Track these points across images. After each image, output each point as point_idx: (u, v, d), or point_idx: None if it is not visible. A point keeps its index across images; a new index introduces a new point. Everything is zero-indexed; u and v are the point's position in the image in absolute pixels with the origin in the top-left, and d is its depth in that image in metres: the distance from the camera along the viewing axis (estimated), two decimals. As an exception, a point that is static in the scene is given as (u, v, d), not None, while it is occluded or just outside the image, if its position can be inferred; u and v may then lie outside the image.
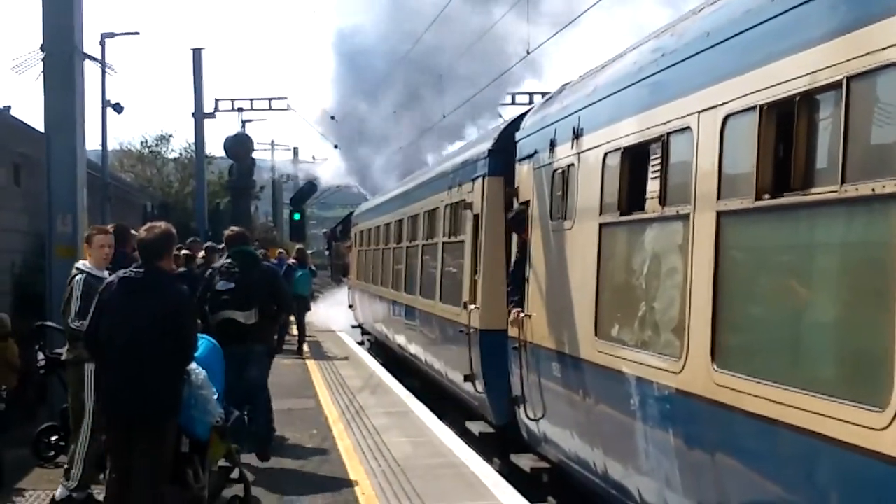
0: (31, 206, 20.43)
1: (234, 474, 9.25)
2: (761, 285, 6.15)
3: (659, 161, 7.42)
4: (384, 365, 22.25)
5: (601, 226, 8.65)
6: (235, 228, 13.01)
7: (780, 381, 5.63)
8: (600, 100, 8.91)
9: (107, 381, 8.11)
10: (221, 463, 9.14)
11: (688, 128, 6.92)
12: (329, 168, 52.56)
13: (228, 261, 12.17)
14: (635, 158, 7.99)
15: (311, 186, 57.43)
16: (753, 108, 6.00)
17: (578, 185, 9.35)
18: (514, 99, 43.16)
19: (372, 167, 44.99)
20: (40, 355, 14.00)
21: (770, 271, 6.07)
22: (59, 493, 9.57)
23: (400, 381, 19.18)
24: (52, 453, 11.50)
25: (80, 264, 9.89)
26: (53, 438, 11.53)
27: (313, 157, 71.83)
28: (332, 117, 41.80)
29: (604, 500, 9.10)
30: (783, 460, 5.73)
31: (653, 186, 7.55)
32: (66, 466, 9.78)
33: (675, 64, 7.33)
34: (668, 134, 7.28)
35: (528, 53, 20.78)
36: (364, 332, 30.91)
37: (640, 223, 7.86)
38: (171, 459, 8.08)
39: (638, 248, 7.94)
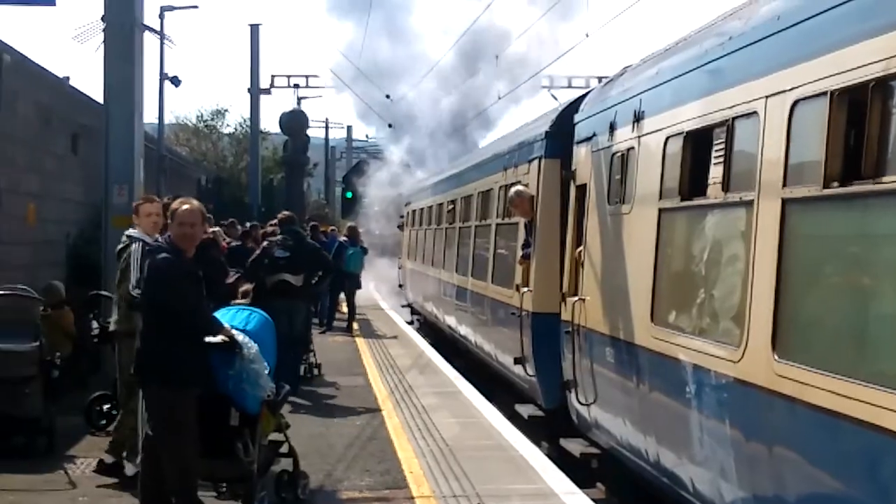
0: (88, 176, 20.60)
1: (284, 449, 9.24)
2: (827, 275, 6.02)
3: (723, 146, 7.29)
4: (433, 345, 22.22)
5: (660, 211, 8.53)
6: (287, 212, 16.86)
7: (845, 373, 5.51)
8: (663, 83, 8.78)
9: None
10: (272, 437, 9.14)
11: (754, 113, 6.79)
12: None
13: (283, 236, 15.64)
14: (698, 143, 7.86)
15: (362, 164, 57.48)
16: (824, 93, 5.86)
17: (638, 169, 9.23)
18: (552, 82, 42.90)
19: (424, 148, 44.91)
20: (94, 324, 14.14)
21: (837, 261, 5.94)
22: (128, 469, 9.54)
23: (449, 361, 19.14)
24: (104, 421, 11.57)
25: (132, 232, 9.86)
26: (106, 407, 11.61)
27: (367, 137, 71.97)
28: (388, 96, 41.72)
29: (655, 487, 9.02)
30: (846, 455, 5.62)
31: (715, 172, 7.42)
32: (113, 442, 9.74)
33: (743, 48, 7.18)
34: (734, 119, 7.15)
35: (587, 36, 20.59)
36: (413, 312, 30.91)
37: (701, 209, 7.74)
38: (187, 431, 8.01)
39: (698, 234, 7.82)
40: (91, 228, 19.57)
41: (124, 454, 9.63)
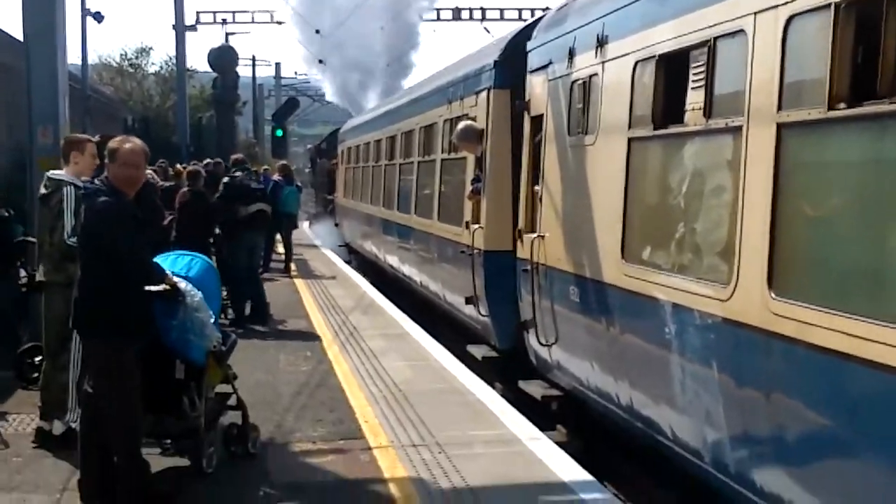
0: (9, 117, 19.66)
1: (232, 401, 8.69)
2: (832, 204, 5.55)
3: (703, 69, 6.77)
4: (374, 285, 21.68)
5: (630, 140, 8.01)
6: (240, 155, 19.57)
7: (854, 311, 5.07)
8: (629, 4, 8.21)
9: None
10: (218, 389, 8.58)
11: (740, 31, 6.27)
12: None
13: (244, 172, 17.69)
14: (672, 67, 7.34)
15: (292, 102, 56.55)
16: (826, 6, 5.35)
17: (602, 98, 8.71)
18: (502, 14, 42.38)
19: (356, 84, 44.14)
20: (22, 272, 13.41)
21: (843, 188, 5.46)
22: (56, 427, 8.88)
23: (391, 302, 18.62)
24: (36, 374, 10.90)
25: (59, 174, 9.06)
26: (38, 359, 10.92)
27: (295, 73, 70.81)
28: (317, 31, 40.75)
29: (624, 430, 8.62)
30: (854, 399, 5.19)
31: (695, 97, 6.91)
32: (45, 404, 9.07)
33: (724, -39, 6.65)
34: (716, 39, 6.63)
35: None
36: (351, 251, 30.34)
37: (679, 137, 7.23)
38: (123, 386, 7.43)
39: (676, 163, 7.31)
40: (13, 172, 18.71)
41: (51, 415, 8.94)
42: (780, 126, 5.78)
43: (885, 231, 5.09)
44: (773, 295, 5.79)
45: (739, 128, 6.21)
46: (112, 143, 7.60)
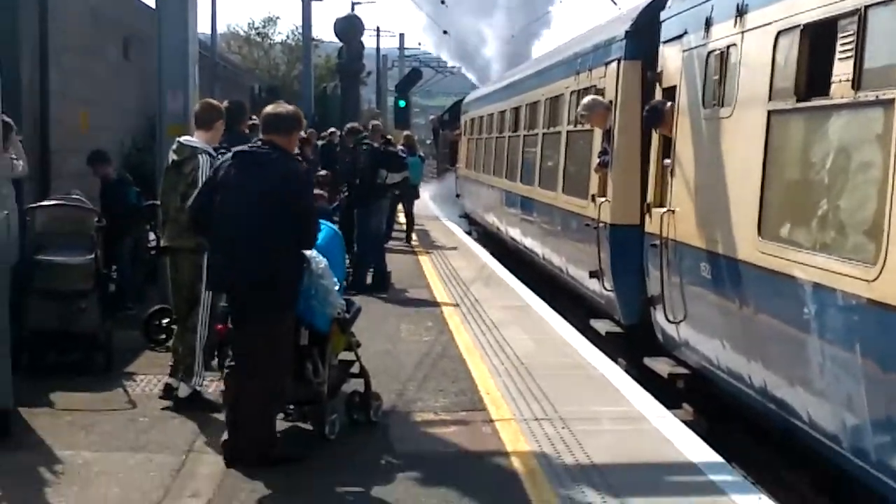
0: (140, 83, 19.95)
1: (355, 369, 8.66)
2: None
3: (852, 39, 6.47)
4: (495, 257, 21.56)
5: (770, 113, 7.72)
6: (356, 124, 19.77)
7: None
8: (775, -29, 7.91)
9: (215, 260, 7.55)
10: (342, 356, 8.56)
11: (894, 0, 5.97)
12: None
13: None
14: (818, 37, 7.05)
15: (416, 73, 56.54)
16: None
17: (741, 69, 8.42)
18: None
19: (483, 54, 43.94)
20: (151, 236, 13.61)
21: None
22: (182, 391, 8.95)
23: (512, 274, 18.48)
24: (164, 336, 11.06)
25: (195, 142, 9.10)
26: (165, 321, 11.08)
27: (419, 44, 70.89)
28: (443, 1, 40.61)
29: (755, 411, 8.36)
30: None
31: (842, 69, 6.61)
32: (175, 364, 9.15)
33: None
34: (866, 7, 6.32)
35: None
36: (472, 223, 30.26)
37: (824, 110, 6.93)
38: (288, 353, 7.54)
39: (819, 137, 7.02)
40: (144, 138, 18.98)
41: (179, 375, 9.02)
42: (937, 99, 5.49)
43: None
44: (923, 276, 5.51)
45: (892, 101, 5.91)
46: (275, 109, 7.64)
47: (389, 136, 20.43)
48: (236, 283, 7.38)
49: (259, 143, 7.61)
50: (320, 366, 7.92)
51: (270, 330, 7.35)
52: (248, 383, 7.36)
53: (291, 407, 8.33)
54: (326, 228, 8.42)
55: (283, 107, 7.73)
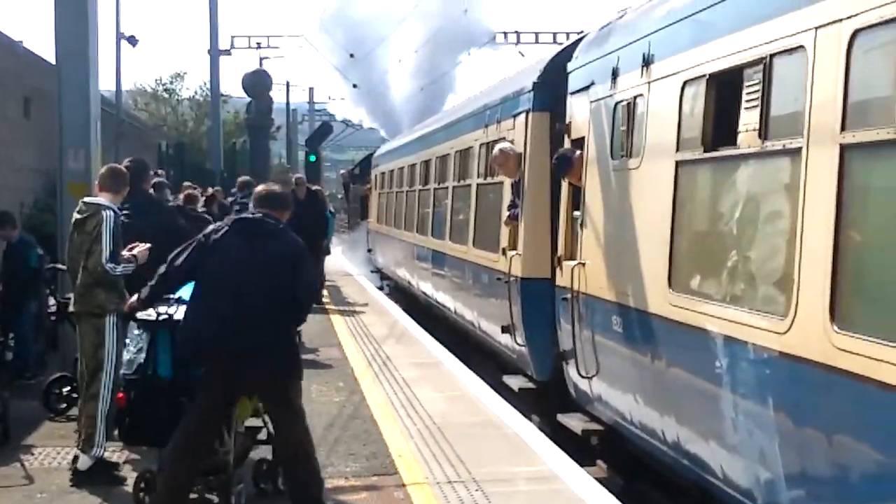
0: (42, 142, 19.51)
1: (262, 435, 8.36)
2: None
3: (758, 88, 6.41)
4: (406, 312, 21.34)
5: (678, 163, 7.64)
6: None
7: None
8: (678, 21, 7.86)
9: (201, 327, 7.37)
10: (248, 422, 8.25)
11: (800, 47, 5.92)
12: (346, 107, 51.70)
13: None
14: (724, 86, 6.98)
15: (326, 127, 56.53)
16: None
17: (648, 119, 8.35)
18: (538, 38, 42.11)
19: (392, 108, 43.98)
20: (51, 300, 13.17)
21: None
22: (82, 462, 8.55)
23: (424, 329, 18.26)
24: (64, 405, 10.65)
25: (100, 200, 8.78)
26: (66, 390, 10.67)
27: (329, 97, 70.87)
28: (351, 55, 40.62)
29: (668, 468, 8.22)
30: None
31: (748, 118, 6.54)
32: (79, 432, 8.74)
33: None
34: (772, 56, 6.27)
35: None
36: (384, 277, 30.03)
37: (732, 160, 6.85)
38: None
39: (728, 188, 6.93)
40: (46, 197, 18.54)
41: (91, 445, 8.61)
42: (843, 147, 5.41)
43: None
44: (836, 328, 5.40)
45: (799, 150, 5.84)
46: (270, 187, 8.05)
47: (317, 187, 20.00)
48: (241, 350, 7.28)
49: (259, 214, 7.67)
50: (225, 434, 7.62)
51: (297, 385, 7.73)
52: (303, 435, 7.65)
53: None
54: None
55: (277, 186, 8.29)
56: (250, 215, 7.72)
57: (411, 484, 8.52)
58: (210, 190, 20.34)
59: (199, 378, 7.50)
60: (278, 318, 7.37)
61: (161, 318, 7.67)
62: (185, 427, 7.41)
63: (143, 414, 7.67)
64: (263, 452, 8.41)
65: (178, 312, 7.63)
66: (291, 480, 7.68)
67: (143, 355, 7.67)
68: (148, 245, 8.73)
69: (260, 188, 8.00)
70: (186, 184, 19.15)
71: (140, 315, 7.74)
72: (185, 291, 7.91)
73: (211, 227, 7.90)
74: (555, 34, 41.00)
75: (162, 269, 7.62)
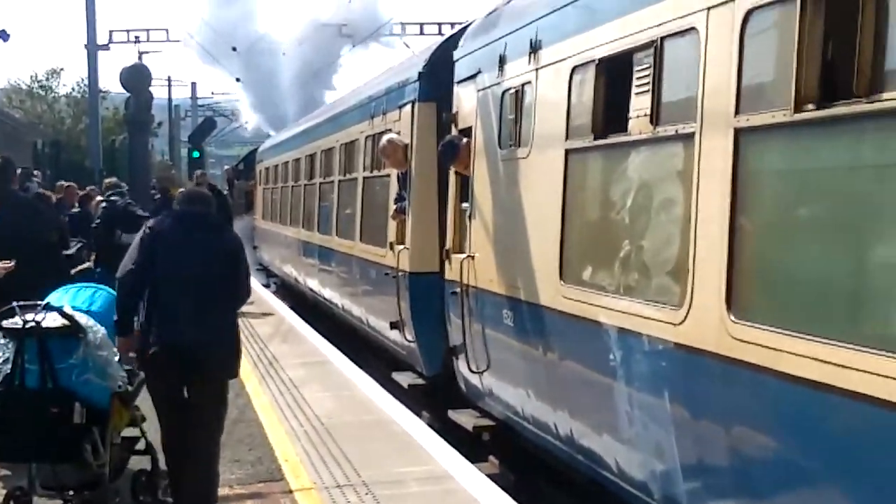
0: None
1: (140, 445, 7.94)
2: (804, 217, 5.00)
3: (649, 72, 6.23)
4: (293, 309, 20.93)
5: (568, 152, 7.44)
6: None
7: (829, 336, 4.53)
8: (566, 5, 7.64)
9: (167, 316, 7.21)
10: (125, 433, 7.83)
11: (691, 29, 5.74)
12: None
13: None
14: (614, 71, 6.79)
15: (209, 123, 55.49)
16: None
17: (536, 107, 8.14)
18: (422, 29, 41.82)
19: (277, 102, 43.38)
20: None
21: (815, 199, 4.92)
22: None
23: (312, 327, 17.88)
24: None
25: None
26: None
27: (212, 93, 69.85)
28: (234, 48, 39.91)
29: (564, 463, 8.03)
30: (828, 431, 4.66)
31: (639, 103, 6.36)
32: None
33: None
34: (662, 39, 6.09)
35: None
36: (269, 275, 29.54)
37: (623, 147, 6.66)
38: None
39: (619, 175, 6.73)
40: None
41: None
42: (738, 131, 5.24)
43: (859, 244, 4.56)
44: (732, 318, 5.23)
45: (692, 135, 5.66)
46: (201, 190, 8.54)
47: (214, 184, 19.25)
48: (196, 343, 7.13)
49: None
50: (100, 446, 7.21)
51: (224, 388, 7.57)
52: (207, 440, 7.42)
53: (71, 493, 7.58)
54: (106, 294, 7.80)
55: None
56: (189, 210, 7.56)
57: (298, 490, 8.20)
58: (87, 189, 19.69)
59: (74, 389, 7.08)
60: (226, 309, 7.43)
61: (28, 325, 7.20)
62: (169, 436, 7.45)
63: (10, 428, 7.19)
64: (142, 463, 8.00)
65: (46, 320, 7.19)
66: (192, 479, 7.45)
67: (8, 366, 7.20)
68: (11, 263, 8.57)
69: (189, 190, 8.29)
70: (61, 183, 18.51)
71: (5, 324, 7.26)
72: (54, 298, 7.52)
73: (149, 223, 7.69)
74: (440, 24, 40.59)
75: (118, 286, 7.44)
